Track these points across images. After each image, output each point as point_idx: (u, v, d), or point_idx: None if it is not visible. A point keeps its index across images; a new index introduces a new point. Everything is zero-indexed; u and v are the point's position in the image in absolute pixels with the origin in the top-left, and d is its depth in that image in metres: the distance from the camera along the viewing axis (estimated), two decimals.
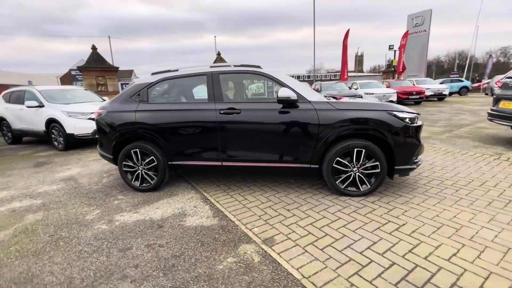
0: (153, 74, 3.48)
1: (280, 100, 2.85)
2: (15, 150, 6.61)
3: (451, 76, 28.27)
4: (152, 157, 3.28)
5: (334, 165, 2.95)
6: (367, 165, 2.91)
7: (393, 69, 21.07)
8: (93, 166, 4.77)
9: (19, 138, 7.45)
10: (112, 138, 3.37)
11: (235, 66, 3.27)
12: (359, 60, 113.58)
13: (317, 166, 3.02)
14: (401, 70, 18.96)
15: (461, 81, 21.51)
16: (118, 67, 11.60)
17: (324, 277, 1.77)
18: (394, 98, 12.87)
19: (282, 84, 3.04)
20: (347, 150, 2.89)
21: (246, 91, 3.90)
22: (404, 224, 2.39)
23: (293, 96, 2.84)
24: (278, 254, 2.04)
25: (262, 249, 2.13)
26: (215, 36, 43.66)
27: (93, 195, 3.43)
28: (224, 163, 3.19)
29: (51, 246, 2.30)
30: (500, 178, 3.37)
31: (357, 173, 2.94)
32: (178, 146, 3.23)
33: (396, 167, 2.92)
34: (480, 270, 1.78)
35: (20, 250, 2.25)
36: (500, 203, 2.70)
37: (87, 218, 2.80)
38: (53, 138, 6.35)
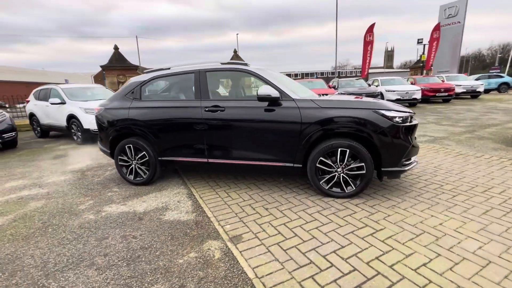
0: (146, 72, 3.61)
1: (260, 98, 2.82)
2: (42, 143, 7.24)
3: (490, 71, 25.87)
4: (144, 152, 3.43)
5: (317, 164, 2.86)
6: (352, 165, 2.78)
7: (421, 64, 19.73)
8: (103, 160, 5.08)
9: (46, 132, 8.13)
10: (109, 133, 3.57)
11: (222, 64, 3.29)
12: (389, 55, 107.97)
13: (301, 165, 2.95)
14: (430, 65, 17.70)
15: (501, 76, 19.57)
16: (138, 66, 12.17)
17: (276, 279, 1.75)
18: (418, 95, 12.08)
19: (266, 82, 3.00)
20: (330, 150, 2.79)
21: (244, 89, 3.89)
22: (381, 230, 2.27)
23: (274, 94, 2.80)
24: (240, 252, 2.05)
25: (227, 246, 2.14)
26: (237, 34, 44.06)
27: (92, 186, 3.67)
28: (210, 160, 3.23)
29: (40, 232, 2.51)
30: (510, 184, 3.05)
31: (341, 174, 2.83)
32: (166, 143, 3.34)
33: (383, 169, 2.77)
34: (446, 283, 1.64)
35: (14, 234, 2.49)
36: (498, 212, 2.45)
37: (79, 208, 3.00)
38: (72, 133, 6.86)
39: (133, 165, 3.54)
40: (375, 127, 2.67)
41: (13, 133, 6.41)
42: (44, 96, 7.65)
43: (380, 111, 2.69)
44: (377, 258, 1.91)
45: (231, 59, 14.25)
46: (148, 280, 1.80)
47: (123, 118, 3.44)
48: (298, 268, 1.84)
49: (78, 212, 2.88)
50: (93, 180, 3.92)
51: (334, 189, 2.90)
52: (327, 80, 16.11)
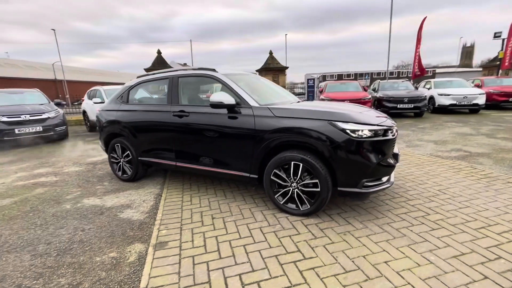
0: (138, 77, 3.89)
1: (212, 105, 2.76)
2: (87, 137, 8.43)
3: None
4: (128, 152, 3.71)
5: (272, 177, 2.68)
6: (306, 181, 2.52)
7: (498, 63, 16.42)
8: None
9: (94, 127, 9.44)
10: (103, 132, 3.98)
11: (193, 69, 3.33)
12: (468, 52, 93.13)
13: (256, 176, 2.80)
14: (508, 64, 14.65)
15: None
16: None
17: None
18: (481, 101, 10.16)
19: (228, 87, 2.93)
20: (284, 163, 2.58)
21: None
22: (310, 258, 2.00)
23: (227, 101, 2.71)
24: (153, 259, 2.06)
25: (147, 251, 2.18)
26: (285, 34, 43.64)
27: (91, 179, 4.13)
28: (178, 164, 3.32)
29: (23, 215, 2.95)
30: None
31: (295, 190, 2.59)
32: (143, 144, 3.55)
33: (338, 189, 2.43)
34: None
35: (5, 215, 2.98)
36: (474, 259, 1.92)
37: (66, 197, 3.42)
38: None
39: (121, 163, 3.87)
40: (329, 141, 2.36)
41: (64, 127, 7.62)
42: (93, 96, 8.90)
43: (336, 122, 2.37)
44: None
45: (267, 60, 14.25)
46: (59, 273, 1.96)
47: (112, 119, 3.78)
48: (190, 286, 1.76)
49: (62, 202, 3.29)
50: (95, 173, 4.41)
51: (290, 205, 2.67)
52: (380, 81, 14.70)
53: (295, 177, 2.56)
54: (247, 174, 2.85)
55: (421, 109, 9.63)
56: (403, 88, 11.05)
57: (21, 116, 6.83)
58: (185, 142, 3.19)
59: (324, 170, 2.42)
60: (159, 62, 12.18)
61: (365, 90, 10.46)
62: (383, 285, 1.70)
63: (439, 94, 10.77)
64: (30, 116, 6.95)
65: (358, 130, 2.33)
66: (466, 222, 2.42)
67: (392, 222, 2.47)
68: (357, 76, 59.35)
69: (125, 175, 3.89)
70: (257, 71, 14.58)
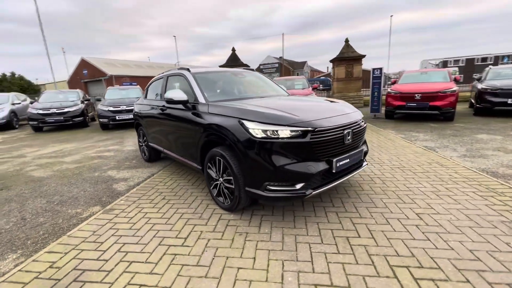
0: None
1: (167, 100, 3.14)
2: None
3: None
4: (145, 137, 4.64)
5: (207, 170, 2.88)
6: (226, 177, 2.59)
7: None
8: None
9: None
10: (134, 121, 5.07)
11: (178, 69, 3.76)
12: None
13: (201, 167, 3.05)
14: None
15: None
16: (249, 65, 13.98)
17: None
18: None
19: (189, 85, 3.24)
20: (213, 157, 2.72)
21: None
22: (191, 266, 2.17)
23: (178, 97, 3.03)
24: (94, 218, 2.72)
25: (93, 215, 2.87)
26: (391, 16, 37.69)
27: (130, 157, 5.36)
28: (164, 151, 3.94)
29: (70, 175, 4.28)
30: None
31: (221, 184, 2.70)
32: (150, 132, 4.35)
33: (246, 188, 2.38)
34: None
35: (62, 173, 4.40)
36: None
37: (102, 168, 4.65)
38: None
39: (142, 146, 4.86)
40: (236, 139, 2.36)
41: None
42: None
43: (243, 121, 2.33)
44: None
45: (342, 49, 13.14)
46: (45, 214, 2.90)
47: (137, 111, 4.78)
48: (93, 241, 2.30)
49: (96, 171, 4.52)
50: (137, 153, 5.64)
51: (220, 198, 2.80)
52: None
53: (219, 172, 2.67)
54: (196, 165, 3.13)
55: None
56: None
57: (120, 106, 9.24)
58: (166, 132, 3.76)
59: (238, 168, 2.43)
60: (232, 59, 13.37)
61: (456, 81, 8.17)
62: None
63: None
64: (126, 107, 9.29)
65: (261, 130, 2.22)
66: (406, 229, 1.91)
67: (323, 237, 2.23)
68: (499, 59, 45.01)
69: (144, 156, 4.88)
70: (330, 61, 13.69)
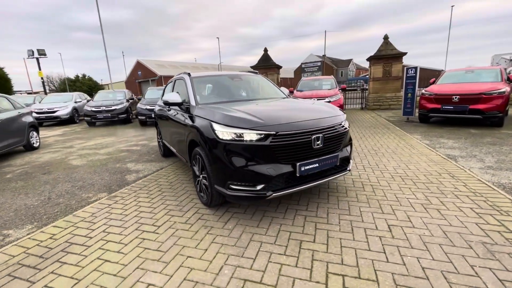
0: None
1: (164, 102, 3.47)
2: None
3: None
4: (160, 134, 5.14)
5: (192, 167, 3.13)
6: (203, 174, 2.81)
7: None
8: None
9: None
10: (154, 119, 5.63)
11: (182, 73, 4.09)
12: None
13: (190, 164, 3.32)
14: None
15: None
16: (280, 66, 13.94)
17: None
18: None
19: (186, 88, 3.54)
20: (195, 156, 2.97)
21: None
22: (122, 268, 2.45)
23: (172, 99, 3.35)
24: (98, 203, 3.20)
25: (99, 200, 3.35)
26: (452, 6, 33.42)
27: (151, 151, 5.96)
28: (170, 147, 4.33)
29: (98, 165, 4.98)
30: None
31: (201, 180, 2.93)
32: (161, 130, 4.81)
33: (214, 186, 2.56)
34: None
35: (92, 163, 5.14)
36: None
37: (125, 160, 5.29)
38: None
39: (160, 142, 5.39)
40: (206, 139, 2.57)
41: None
42: None
43: (212, 123, 2.52)
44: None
45: (380, 47, 12.33)
46: (65, 196, 3.49)
47: (155, 110, 5.30)
48: (92, 222, 2.74)
49: (119, 162, 5.15)
50: (157, 149, 6.22)
51: (202, 194, 3.03)
52: None
53: (200, 170, 2.91)
54: (188, 162, 3.42)
55: None
56: None
57: (112, 106, 10.55)
58: (170, 131, 4.14)
59: (209, 167, 2.62)
60: (264, 59, 13.54)
61: (510, 80, 7.07)
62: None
63: None
64: (113, 106, 10.54)
65: (225, 132, 2.39)
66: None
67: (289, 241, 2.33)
68: None
69: (160, 152, 5.40)
70: (367, 60, 12.94)
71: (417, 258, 1.93)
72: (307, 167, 2.44)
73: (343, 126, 2.77)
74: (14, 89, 25.80)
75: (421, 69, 10.18)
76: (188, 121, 3.12)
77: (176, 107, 3.59)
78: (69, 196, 3.49)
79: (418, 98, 8.03)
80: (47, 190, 3.76)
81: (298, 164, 2.38)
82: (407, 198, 2.91)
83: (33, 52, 20.40)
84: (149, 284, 1.80)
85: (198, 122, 2.81)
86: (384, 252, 2.01)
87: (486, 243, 2.06)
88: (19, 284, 1.88)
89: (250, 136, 2.33)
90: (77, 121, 13.30)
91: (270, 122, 2.40)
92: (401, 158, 4.40)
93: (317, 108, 2.98)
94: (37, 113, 11.62)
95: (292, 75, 55.69)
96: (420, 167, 3.89)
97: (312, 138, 2.44)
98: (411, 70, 8.16)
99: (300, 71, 55.83)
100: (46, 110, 11.99)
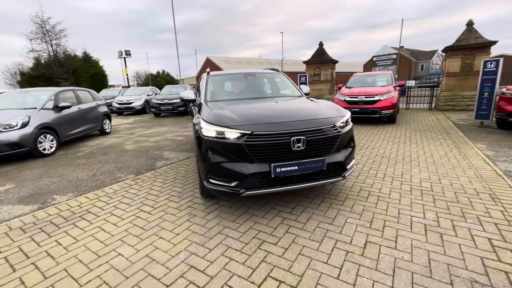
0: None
1: (180, 99, 3.81)
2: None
3: None
4: None
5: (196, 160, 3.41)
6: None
7: None
8: None
9: None
10: None
11: (206, 72, 4.37)
12: None
13: None
14: None
15: None
16: (336, 60, 13.04)
17: None
18: None
19: (200, 90, 3.82)
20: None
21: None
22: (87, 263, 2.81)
23: (187, 96, 3.67)
24: (123, 182, 3.80)
25: (128, 178, 3.96)
26: None
27: (187, 141, 6.59)
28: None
29: (141, 150, 5.81)
30: None
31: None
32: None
33: (201, 178, 2.78)
34: None
35: (140, 149, 6.01)
36: None
37: (164, 148, 6.01)
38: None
39: None
40: (196, 134, 2.80)
41: None
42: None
43: (201, 120, 2.70)
44: None
45: (461, 35, 10.36)
46: (106, 174, 4.26)
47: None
48: (110, 200, 3.33)
49: (159, 150, 5.89)
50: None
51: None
52: None
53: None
54: None
55: None
56: None
57: (173, 100, 11.82)
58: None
59: (199, 160, 2.85)
60: (318, 54, 12.96)
61: None
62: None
63: None
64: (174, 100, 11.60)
65: (206, 129, 2.56)
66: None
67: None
68: None
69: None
70: (442, 51, 11.05)
71: (373, 281, 1.73)
72: (284, 169, 2.40)
73: (335, 129, 2.58)
74: (109, 83, 31.48)
75: (506, 58, 8.12)
76: (195, 118, 3.40)
77: (191, 104, 3.93)
78: (108, 174, 4.25)
79: (497, 98, 6.52)
80: (96, 168, 4.64)
81: (272, 165, 2.37)
82: (411, 216, 2.53)
83: (121, 52, 24.53)
84: (119, 254, 2.14)
85: (196, 119, 3.05)
86: (340, 268, 1.86)
87: (477, 282, 1.68)
88: (41, 236, 2.48)
89: (228, 134, 2.43)
90: (148, 111, 15.48)
91: (247, 122, 2.45)
92: (437, 170, 3.75)
93: (309, 108, 2.87)
94: (118, 104, 14.06)
95: (362, 69, 51.43)
96: (456, 183, 3.26)
97: (292, 140, 2.38)
98: (491, 64, 6.64)
99: (371, 64, 51.12)
100: (125, 101, 14.36)
